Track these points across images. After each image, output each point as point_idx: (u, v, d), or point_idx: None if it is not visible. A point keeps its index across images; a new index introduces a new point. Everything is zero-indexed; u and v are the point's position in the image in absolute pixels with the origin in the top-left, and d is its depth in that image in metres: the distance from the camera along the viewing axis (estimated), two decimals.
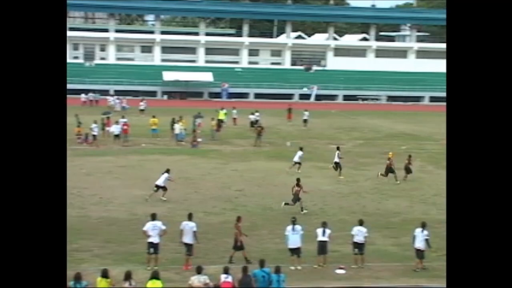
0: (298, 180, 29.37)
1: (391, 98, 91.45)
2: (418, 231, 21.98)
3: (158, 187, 30.16)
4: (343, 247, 23.13)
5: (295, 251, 21.63)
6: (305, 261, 21.68)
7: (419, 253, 21.79)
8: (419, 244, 21.79)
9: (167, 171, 30.89)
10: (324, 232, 21.94)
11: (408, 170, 36.49)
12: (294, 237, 21.68)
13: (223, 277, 17.65)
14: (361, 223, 22.34)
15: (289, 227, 21.91)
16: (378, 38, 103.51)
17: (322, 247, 21.80)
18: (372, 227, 24.47)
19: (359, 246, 21.94)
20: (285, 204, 28.53)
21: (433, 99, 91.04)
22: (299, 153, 38.61)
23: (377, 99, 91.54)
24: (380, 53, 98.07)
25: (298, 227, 21.88)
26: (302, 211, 28.15)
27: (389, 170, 35.95)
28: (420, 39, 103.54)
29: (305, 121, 59.30)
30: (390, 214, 28.90)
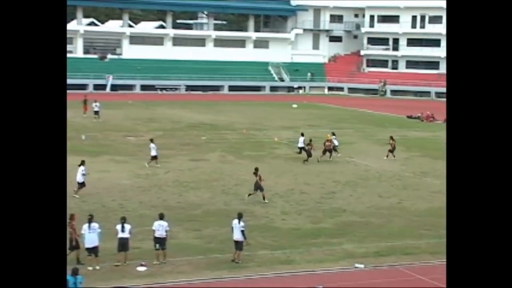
0: (256, 169, 29.48)
1: (190, 88, 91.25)
2: (235, 222, 21.74)
3: (80, 184, 29.07)
4: (144, 243, 22.45)
5: (93, 251, 20.61)
6: (105, 260, 20.73)
7: (237, 245, 21.54)
8: (237, 235, 21.55)
9: (82, 163, 29.46)
10: (123, 228, 21.05)
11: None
12: (90, 236, 20.66)
13: None
14: (161, 217, 21.69)
15: (85, 226, 20.86)
16: (175, 26, 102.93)
17: (123, 244, 20.92)
18: (173, 220, 23.99)
19: (160, 241, 21.27)
20: (249, 195, 29.41)
21: (232, 88, 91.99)
22: (152, 145, 36.95)
23: (175, 89, 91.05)
24: (178, 41, 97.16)
25: (95, 225, 20.88)
26: (251, 197, 29.34)
27: (328, 150, 40.26)
28: (217, 28, 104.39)
29: (96, 112, 57.14)
30: (192, 207, 28.48)
